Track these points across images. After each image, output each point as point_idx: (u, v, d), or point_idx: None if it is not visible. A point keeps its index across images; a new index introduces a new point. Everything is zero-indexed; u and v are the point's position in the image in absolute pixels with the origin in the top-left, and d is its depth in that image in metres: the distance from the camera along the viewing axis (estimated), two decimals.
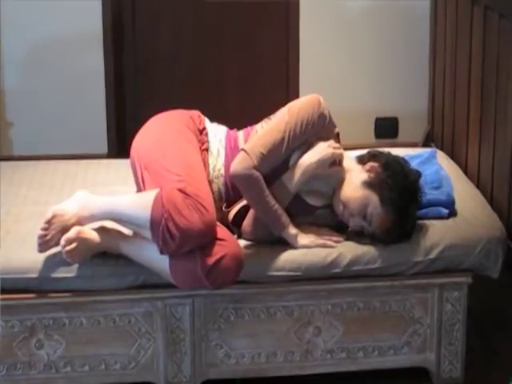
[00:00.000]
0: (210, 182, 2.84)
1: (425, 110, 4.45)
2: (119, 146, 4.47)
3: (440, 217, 2.94)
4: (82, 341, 2.81)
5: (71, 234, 2.70)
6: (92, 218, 2.77)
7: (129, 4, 4.49)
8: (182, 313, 2.82)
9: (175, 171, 2.71)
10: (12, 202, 3.13)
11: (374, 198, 2.77)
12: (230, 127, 3.04)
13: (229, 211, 2.86)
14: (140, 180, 2.84)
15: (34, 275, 2.73)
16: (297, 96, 4.22)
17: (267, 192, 2.76)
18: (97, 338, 2.81)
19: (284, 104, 2.91)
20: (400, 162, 2.84)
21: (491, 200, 3.31)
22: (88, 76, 4.46)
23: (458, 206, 2.99)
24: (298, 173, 2.80)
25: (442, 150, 3.82)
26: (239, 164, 2.75)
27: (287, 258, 2.80)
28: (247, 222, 2.84)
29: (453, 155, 3.73)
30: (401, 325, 2.90)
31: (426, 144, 4.32)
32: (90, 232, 2.74)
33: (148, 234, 2.64)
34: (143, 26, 4.53)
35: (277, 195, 2.78)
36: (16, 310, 2.76)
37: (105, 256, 2.77)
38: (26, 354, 2.80)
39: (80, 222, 2.76)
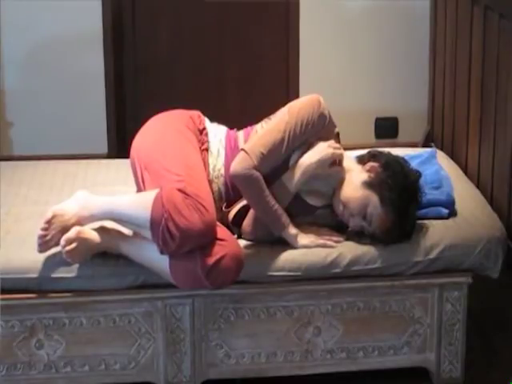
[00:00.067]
0: (210, 182, 2.84)
1: (425, 110, 4.45)
2: (119, 146, 4.47)
3: (440, 217, 2.94)
4: (81, 341, 2.81)
5: (71, 234, 2.70)
6: (92, 218, 2.77)
7: (129, 4, 4.49)
8: (182, 313, 2.82)
9: (175, 171, 2.71)
10: (12, 202, 3.13)
11: (374, 198, 2.77)
12: (230, 127, 3.04)
13: (229, 211, 2.86)
14: (140, 180, 2.84)
15: (34, 275, 2.73)
16: (297, 96, 4.22)
17: (267, 192, 2.76)
18: (97, 338, 2.81)
19: (284, 104, 2.91)
20: (400, 162, 2.84)
21: (491, 200, 3.31)
22: (88, 76, 4.46)
23: (458, 206, 3.00)
24: (297, 173, 2.80)
25: (442, 150, 3.82)
26: (239, 164, 2.75)
27: (287, 258, 2.80)
28: (247, 222, 2.84)
29: (453, 155, 3.73)
30: (401, 325, 2.90)
31: (425, 144, 4.32)
32: (90, 232, 2.74)
33: (148, 234, 2.64)
34: (143, 26, 4.53)
35: (277, 195, 2.78)
36: (16, 310, 2.76)
37: (105, 256, 2.77)
38: (26, 354, 2.80)
39: (80, 222, 2.76)
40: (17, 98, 4.45)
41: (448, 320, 2.90)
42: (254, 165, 2.74)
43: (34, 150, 4.39)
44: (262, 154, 2.75)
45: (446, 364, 2.94)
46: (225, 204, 2.87)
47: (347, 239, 2.85)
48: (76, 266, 2.74)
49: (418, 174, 2.85)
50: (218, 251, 2.61)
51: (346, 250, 2.82)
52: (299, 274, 2.80)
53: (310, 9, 4.49)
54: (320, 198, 2.89)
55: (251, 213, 2.83)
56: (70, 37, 4.41)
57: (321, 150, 2.82)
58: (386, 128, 4.65)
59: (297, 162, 2.82)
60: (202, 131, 2.95)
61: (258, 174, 2.74)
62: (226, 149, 2.91)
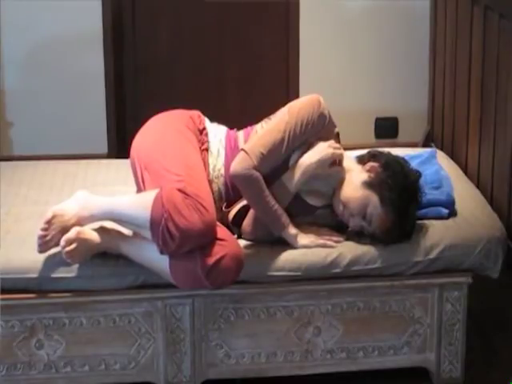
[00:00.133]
0: (210, 182, 2.84)
1: (425, 110, 4.45)
2: (119, 146, 4.47)
3: (440, 217, 2.94)
4: (82, 341, 2.81)
5: (71, 234, 2.70)
6: (92, 218, 2.77)
7: (129, 4, 4.49)
8: (182, 313, 2.82)
9: (175, 171, 2.71)
10: (12, 202, 3.13)
11: (374, 198, 2.77)
12: (230, 127, 3.04)
13: (229, 211, 2.86)
14: (140, 180, 2.84)
15: (34, 275, 2.73)
16: (297, 96, 4.22)
17: (267, 192, 2.76)
18: (97, 338, 2.81)
19: (284, 104, 2.91)
20: (400, 162, 2.84)
21: (491, 200, 3.31)
22: (88, 76, 4.46)
23: (458, 206, 3.00)
24: (298, 173, 2.80)
25: (442, 150, 3.82)
26: (239, 164, 2.75)
27: (287, 257, 2.80)
28: (247, 222, 2.84)
29: (453, 155, 3.73)
30: (401, 325, 2.90)
31: (426, 144, 4.32)
32: (89, 232, 2.74)
33: (148, 234, 2.64)
34: (143, 26, 4.53)
35: (277, 195, 2.78)
36: (16, 310, 2.76)
37: (105, 256, 2.77)
38: (26, 354, 2.80)
39: (80, 222, 2.76)
40: (17, 98, 4.45)
41: (448, 320, 2.90)
42: (254, 165, 2.74)
43: (34, 149, 4.39)
44: (262, 154, 2.75)
45: (446, 364, 2.94)
46: (225, 204, 2.87)
47: (347, 239, 2.85)
48: (76, 266, 2.74)
49: (418, 174, 2.85)
50: (218, 251, 2.61)
51: (346, 250, 2.82)
52: (299, 274, 2.80)
53: (310, 9, 4.49)
54: (320, 198, 2.89)
55: (251, 213, 2.83)
56: (70, 37, 4.41)
57: (321, 150, 2.82)
58: (386, 128, 4.65)
59: (297, 161, 2.82)
60: (202, 131, 2.95)
61: (257, 174, 2.74)
62: (226, 149, 2.91)
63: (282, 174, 2.81)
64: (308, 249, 2.81)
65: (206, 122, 3.02)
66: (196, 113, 3.04)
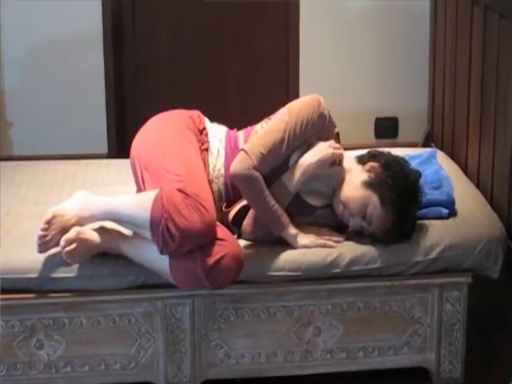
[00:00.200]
0: (210, 182, 2.84)
1: (425, 110, 4.45)
2: (119, 146, 4.47)
3: (440, 217, 2.94)
4: (82, 341, 2.81)
5: (71, 234, 2.70)
6: (92, 218, 2.77)
7: (129, 4, 4.49)
8: (182, 313, 2.82)
9: (175, 171, 2.71)
10: (12, 202, 3.13)
11: (374, 198, 2.77)
12: (230, 127, 3.04)
13: (229, 211, 2.86)
14: (140, 180, 2.84)
15: (34, 275, 2.73)
16: (297, 96, 4.22)
17: (267, 192, 2.76)
18: (97, 338, 2.81)
19: (284, 104, 2.91)
20: (400, 162, 2.84)
21: (491, 200, 3.30)
22: (88, 76, 4.46)
23: (458, 206, 2.99)
24: (298, 173, 2.80)
25: (442, 150, 3.82)
26: (239, 164, 2.75)
27: (287, 258, 2.80)
28: (247, 222, 2.84)
29: (453, 155, 3.73)
30: (401, 325, 2.90)
31: (426, 144, 4.32)
32: (89, 232, 2.74)
33: (148, 234, 2.64)
34: (143, 26, 4.53)
35: (277, 195, 2.78)
36: (16, 310, 2.76)
37: (105, 256, 2.77)
38: (26, 354, 2.80)
39: (80, 222, 2.76)
40: (17, 98, 4.45)
41: (448, 320, 2.90)
42: (254, 165, 2.74)
43: (34, 149, 4.39)
44: (262, 154, 2.75)
45: (445, 364, 2.94)
46: (225, 204, 2.87)
47: (347, 239, 2.85)
48: (76, 266, 2.74)
49: (418, 174, 2.85)
50: (218, 251, 2.61)
51: (346, 250, 2.82)
52: (299, 274, 2.80)
53: (310, 9, 4.49)
54: (320, 198, 2.89)
55: (251, 213, 2.83)
56: (70, 37, 4.41)
57: (321, 150, 2.82)
58: (386, 128, 4.65)
59: (297, 161, 2.82)
60: (202, 131, 2.95)
61: (257, 174, 2.74)
62: (226, 149, 2.91)
63: (281, 174, 2.81)
64: (308, 249, 2.81)
65: (206, 121, 3.02)
66: (196, 113, 3.04)
